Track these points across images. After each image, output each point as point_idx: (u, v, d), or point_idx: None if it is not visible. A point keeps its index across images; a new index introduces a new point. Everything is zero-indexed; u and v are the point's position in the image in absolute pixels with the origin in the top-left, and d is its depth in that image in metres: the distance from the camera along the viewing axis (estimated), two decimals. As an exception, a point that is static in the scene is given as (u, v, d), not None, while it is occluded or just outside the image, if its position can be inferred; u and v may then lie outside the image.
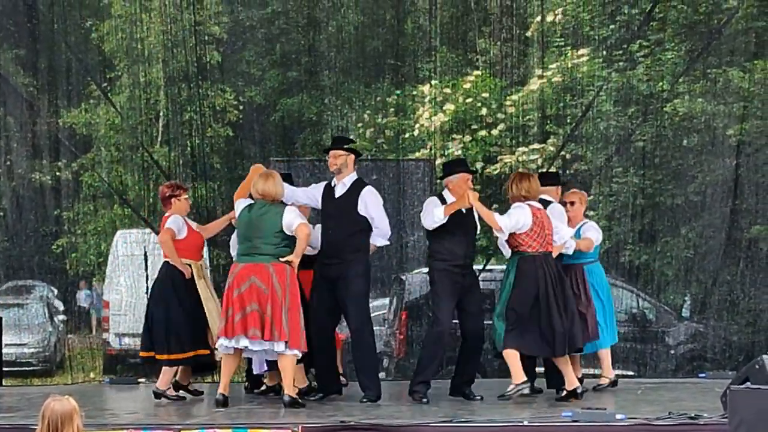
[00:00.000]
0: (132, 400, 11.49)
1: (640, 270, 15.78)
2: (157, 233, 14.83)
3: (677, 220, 15.91)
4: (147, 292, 15.17)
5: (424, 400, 10.42)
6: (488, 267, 15.44)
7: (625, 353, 14.92)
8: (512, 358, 10.35)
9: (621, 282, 15.53)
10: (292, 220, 10.07)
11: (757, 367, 8.17)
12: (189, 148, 16.37)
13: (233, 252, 10.54)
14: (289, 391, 10.06)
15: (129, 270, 16.45)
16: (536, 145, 16.75)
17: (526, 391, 10.38)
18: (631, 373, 14.84)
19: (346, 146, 10.91)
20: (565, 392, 10.47)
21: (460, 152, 17.83)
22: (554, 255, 10.61)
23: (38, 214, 16.57)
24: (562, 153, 16.29)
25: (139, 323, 13.17)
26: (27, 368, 17.73)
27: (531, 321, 10.34)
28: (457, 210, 10.48)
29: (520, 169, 14.67)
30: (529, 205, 10.48)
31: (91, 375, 15.91)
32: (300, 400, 10.19)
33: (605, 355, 11.46)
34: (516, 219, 10.40)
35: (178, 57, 16.33)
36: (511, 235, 10.44)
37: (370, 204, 10.63)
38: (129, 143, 17.73)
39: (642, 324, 15.50)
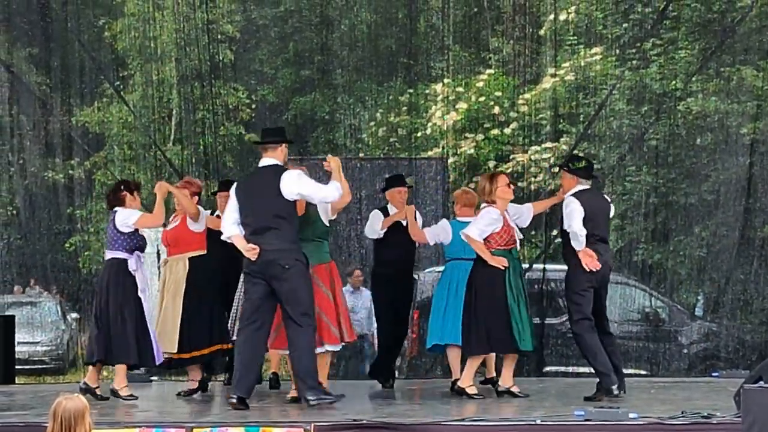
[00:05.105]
0: (144, 398, 11.48)
1: (653, 269, 15.74)
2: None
3: (690, 219, 15.86)
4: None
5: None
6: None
7: (638, 352, 14.90)
8: None
9: (634, 281, 15.49)
10: None
11: (770, 366, 8.16)
12: (201, 147, 16.40)
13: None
14: None
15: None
16: (549, 144, 16.71)
17: None
18: (643, 372, 14.81)
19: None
20: None
21: (472, 151, 17.80)
22: None
23: (51, 213, 16.59)
24: (575, 152, 16.25)
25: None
26: (40, 366, 17.72)
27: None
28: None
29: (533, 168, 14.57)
30: None
31: (104, 373, 15.87)
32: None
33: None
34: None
35: (191, 55, 16.35)
36: None
37: None
38: (142, 142, 17.74)
39: (655, 323, 15.45)
